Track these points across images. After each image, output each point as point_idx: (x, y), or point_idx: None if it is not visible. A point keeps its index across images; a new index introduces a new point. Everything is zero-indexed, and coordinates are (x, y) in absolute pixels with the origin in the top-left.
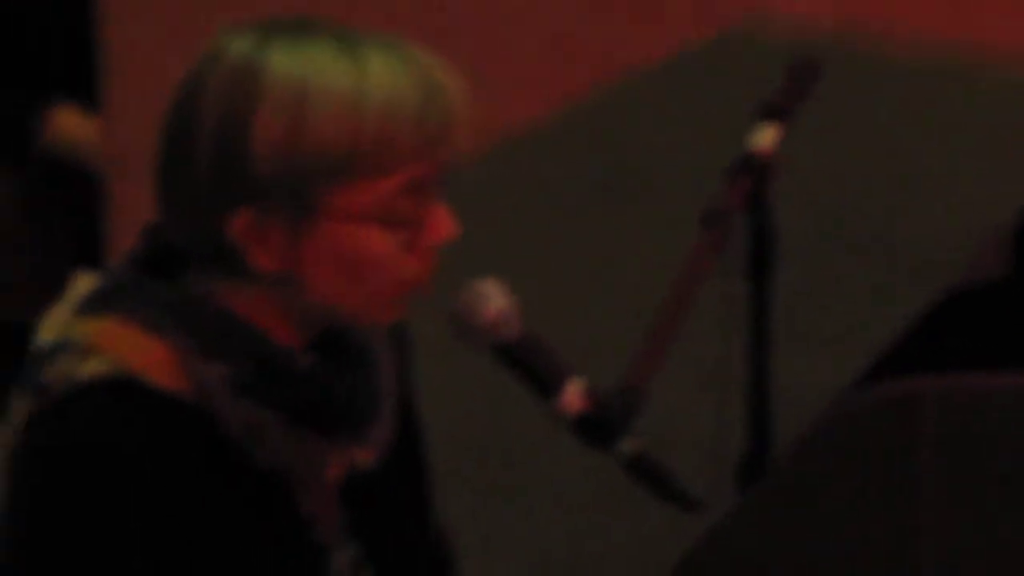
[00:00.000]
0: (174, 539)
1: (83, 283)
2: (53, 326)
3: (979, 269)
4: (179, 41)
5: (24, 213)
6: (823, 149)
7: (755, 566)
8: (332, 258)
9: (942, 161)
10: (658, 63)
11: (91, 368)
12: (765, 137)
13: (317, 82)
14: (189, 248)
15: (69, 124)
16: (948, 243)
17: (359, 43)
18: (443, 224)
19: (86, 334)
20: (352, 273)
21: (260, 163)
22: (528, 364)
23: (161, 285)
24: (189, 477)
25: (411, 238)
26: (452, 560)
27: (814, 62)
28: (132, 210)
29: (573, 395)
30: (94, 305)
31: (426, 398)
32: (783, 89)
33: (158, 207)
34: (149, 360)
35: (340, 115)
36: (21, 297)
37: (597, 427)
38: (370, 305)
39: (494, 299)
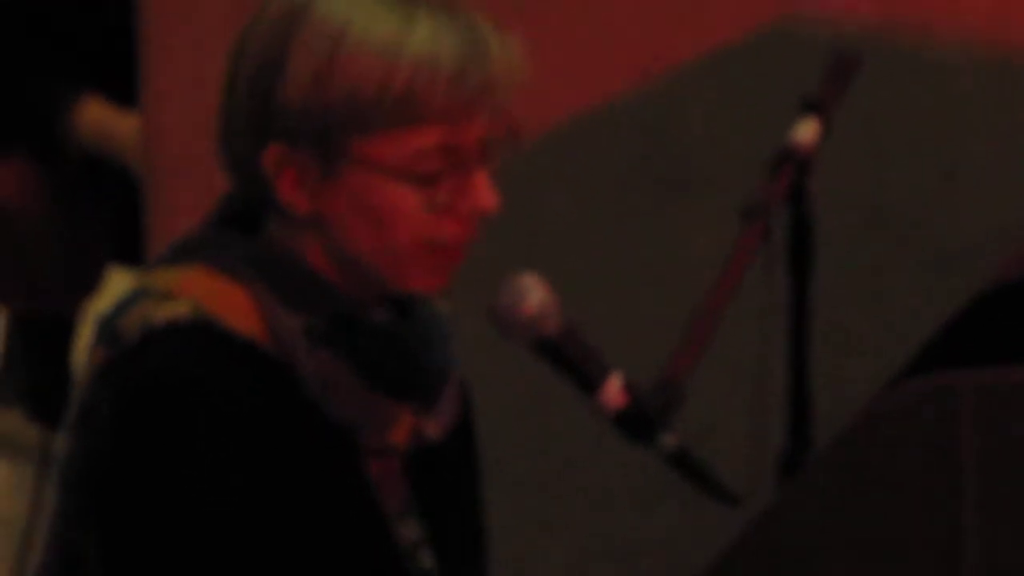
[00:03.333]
0: (250, 477)
1: (119, 277)
2: (96, 317)
3: (1020, 264)
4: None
5: (54, 205)
6: (864, 143)
7: (795, 561)
8: (355, 205)
9: (984, 156)
10: (700, 59)
11: (171, 311)
12: (805, 131)
13: (356, 27)
14: (241, 190)
15: (99, 117)
16: (989, 238)
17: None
18: (482, 193)
19: (164, 281)
20: (372, 223)
21: (290, 99)
22: (569, 359)
23: (240, 237)
24: (266, 420)
25: (444, 201)
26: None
27: (854, 56)
28: (172, 204)
29: (614, 390)
30: (172, 256)
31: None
32: (823, 83)
33: (218, 150)
34: (229, 305)
35: (372, 61)
36: (52, 288)
37: (638, 421)
38: (396, 262)
39: (535, 294)
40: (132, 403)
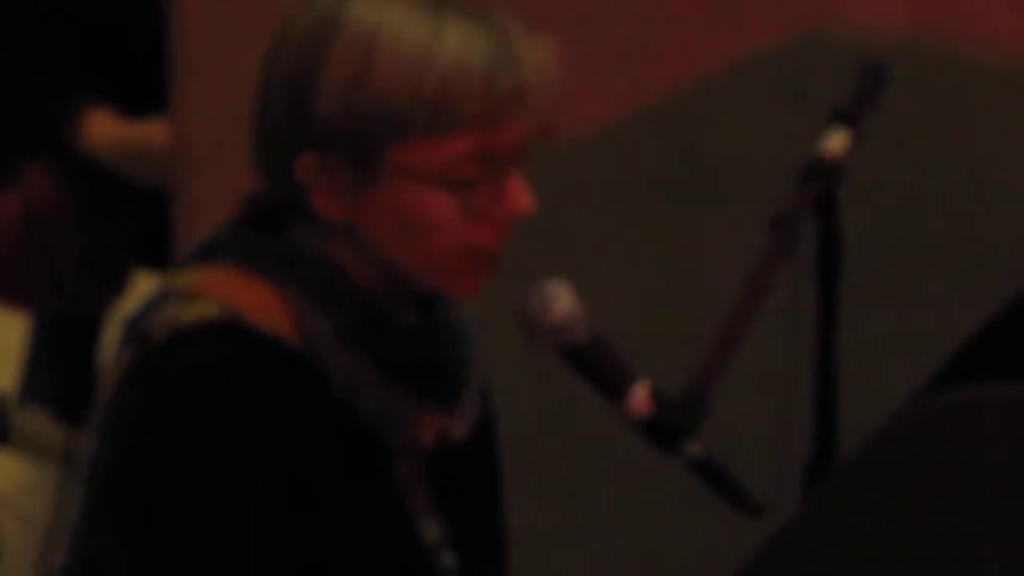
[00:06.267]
0: (278, 476)
1: (145, 281)
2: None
3: None
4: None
5: (80, 208)
6: (895, 153)
7: (819, 571)
8: (390, 214)
9: (1015, 166)
10: (729, 68)
11: (198, 311)
12: (835, 142)
13: (389, 34)
14: (277, 201)
15: (105, 128)
16: (1020, 250)
17: (444, 4)
18: (518, 196)
19: (191, 281)
20: (409, 232)
21: (325, 107)
22: (595, 366)
23: (267, 238)
24: (295, 420)
25: (480, 205)
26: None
27: (883, 68)
28: (200, 208)
29: (640, 398)
30: (199, 256)
31: (495, 396)
32: (853, 94)
33: (250, 155)
34: (257, 305)
35: (405, 69)
36: (78, 291)
37: (663, 430)
38: (435, 268)
39: (562, 300)
40: (161, 403)
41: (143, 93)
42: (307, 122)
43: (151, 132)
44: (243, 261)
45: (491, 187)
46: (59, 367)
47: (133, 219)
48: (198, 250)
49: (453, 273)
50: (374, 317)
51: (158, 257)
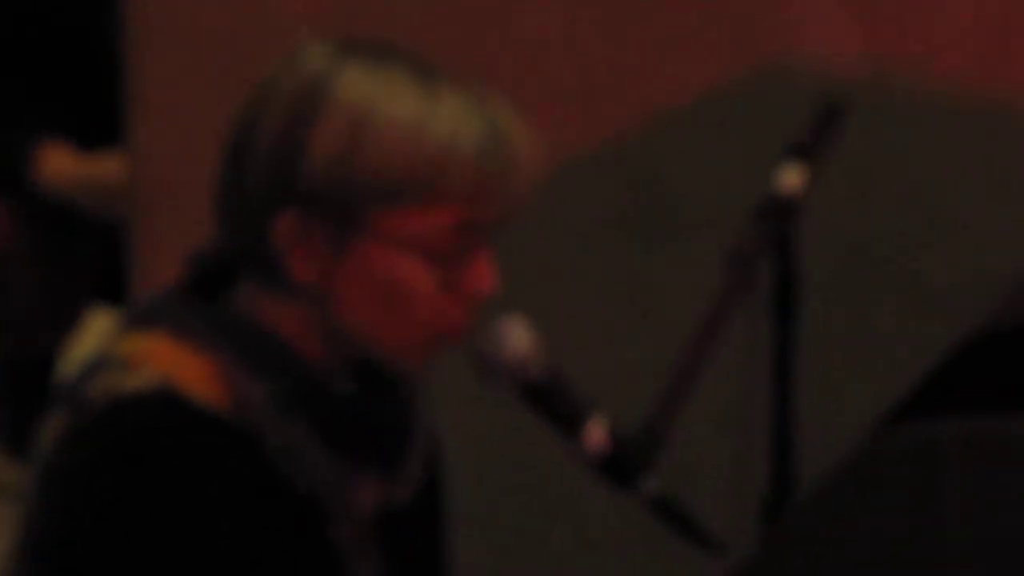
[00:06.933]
0: (213, 551)
1: (100, 318)
2: (79, 356)
3: (1008, 312)
4: (205, 77)
5: (26, 245)
6: (852, 188)
7: None
8: (367, 279)
9: (973, 201)
10: (687, 102)
11: (135, 382)
12: (791, 178)
13: (383, 107)
14: (236, 255)
15: (58, 163)
16: (978, 285)
17: (435, 78)
18: (484, 274)
19: (130, 349)
20: (385, 300)
21: (313, 174)
22: (551, 403)
23: (205, 304)
24: (231, 492)
25: (452, 280)
26: None
27: (839, 103)
28: (155, 243)
29: (596, 434)
30: (138, 322)
31: (445, 435)
32: (809, 130)
33: (214, 211)
34: (193, 375)
35: (399, 143)
36: (28, 331)
37: (619, 466)
38: (399, 342)
39: (517, 337)
40: (103, 472)
41: (98, 128)
42: (291, 189)
43: (107, 166)
44: (180, 329)
45: (464, 263)
46: (12, 403)
47: (88, 254)
48: (136, 315)
49: (414, 347)
50: (313, 386)
51: (113, 292)
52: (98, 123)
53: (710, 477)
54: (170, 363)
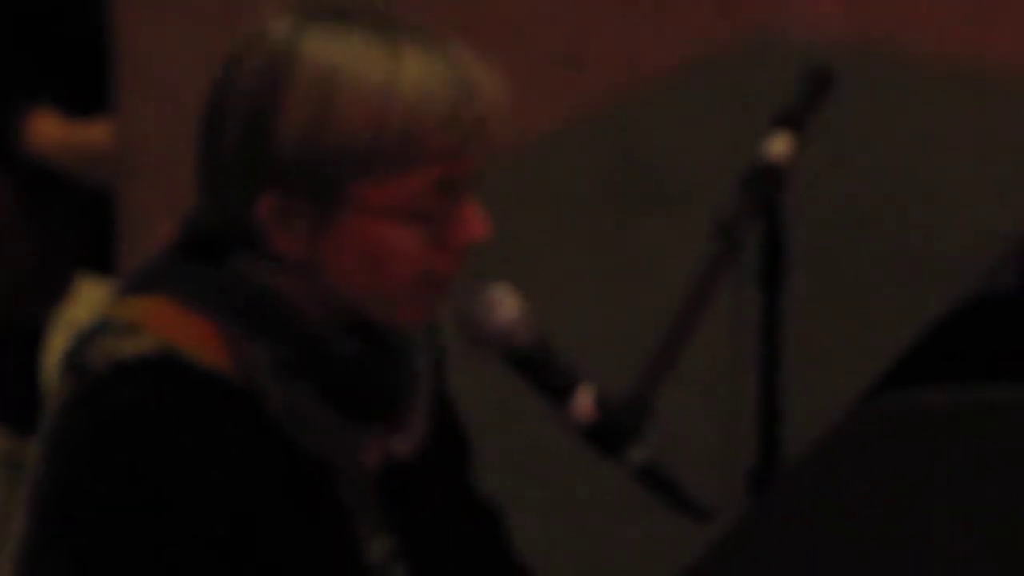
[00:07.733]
0: (217, 514)
1: (90, 287)
2: (68, 325)
3: (996, 280)
4: (192, 45)
5: (16, 214)
6: (840, 158)
7: None
8: (353, 250)
9: (961, 171)
10: (673, 71)
11: (136, 345)
12: (779, 146)
13: (348, 72)
14: (222, 231)
15: (46, 129)
16: (966, 254)
17: (398, 35)
18: (475, 223)
19: (129, 313)
20: (373, 267)
21: (285, 147)
22: (539, 371)
23: (204, 267)
24: (234, 455)
25: (439, 234)
26: (503, 515)
27: (826, 71)
28: (143, 211)
29: (584, 402)
30: (137, 286)
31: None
32: (797, 98)
33: (197, 189)
34: (194, 338)
35: (367, 107)
36: (20, 299)
37: (607, 435)
38: (394, 301)
39: (506, 305)
40: (102, 437)
41: (86, 94)
42: (265, 162)
43: (95, 133)
44: (180, 292)
45: (450, 216)
46: (2, 373)
47: (76, 222)
48: (137, 277)
49: (406, 304)
50: (315, 347)
51: (102, 261)
52: (86, 90)
53: (697, 446)
54: (171, 326)
